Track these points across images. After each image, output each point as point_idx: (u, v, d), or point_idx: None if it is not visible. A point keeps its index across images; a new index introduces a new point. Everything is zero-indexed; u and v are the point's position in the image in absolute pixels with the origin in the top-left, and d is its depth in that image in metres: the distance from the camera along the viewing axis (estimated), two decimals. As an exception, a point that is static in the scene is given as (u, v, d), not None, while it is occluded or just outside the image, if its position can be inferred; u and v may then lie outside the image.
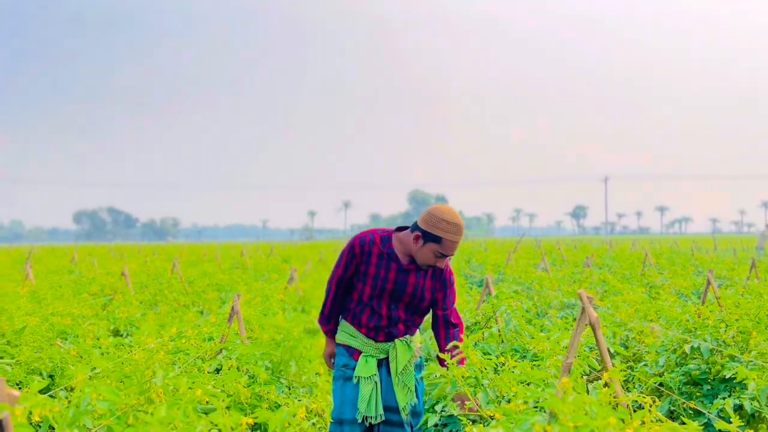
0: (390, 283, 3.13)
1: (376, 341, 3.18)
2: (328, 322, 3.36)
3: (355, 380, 3.12)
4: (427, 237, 3.02)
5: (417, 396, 3.23)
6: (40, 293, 8.49)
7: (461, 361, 3.26)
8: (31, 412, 1.90)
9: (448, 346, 3.24)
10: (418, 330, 3.33)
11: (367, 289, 3.16)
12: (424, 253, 3.04)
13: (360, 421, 3.10)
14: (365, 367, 3.12)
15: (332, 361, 3.37)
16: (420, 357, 3.33)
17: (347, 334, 3.23)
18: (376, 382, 3.12)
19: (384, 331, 3.16)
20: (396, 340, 3.18)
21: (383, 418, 3.14)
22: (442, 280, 3.24)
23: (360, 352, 3.19)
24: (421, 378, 3.28)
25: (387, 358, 3.20)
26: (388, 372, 3.18)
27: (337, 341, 3.29)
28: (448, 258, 3.09)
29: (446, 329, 3.31)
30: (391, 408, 3.16)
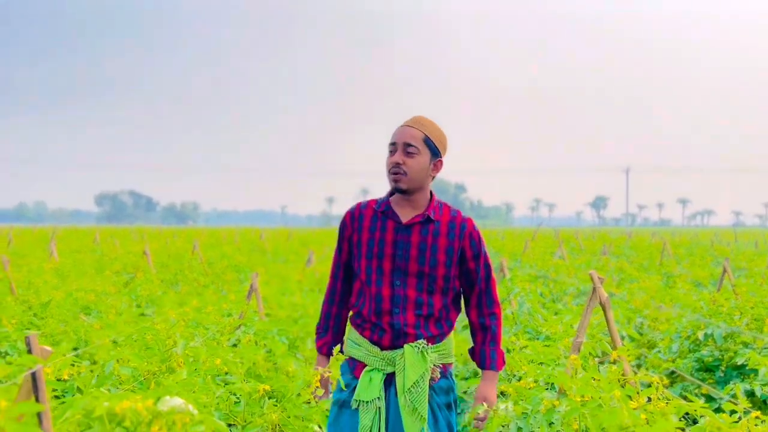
0: (388, 246, 2.44)
1: (381, 346, 2.43)
2: (325, 331, 2.61)
3: (353, 405, 2.39)
4: None
5: (440, 429, 2.44)
6: (63, 270, 8.70)
7: (499, 361, 2.54)
8: (59, 370, 2.01)
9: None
10: (445, 334, 2.48)
11: (363, 262, 2.47)
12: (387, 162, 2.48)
13: None
14: (368, 387, 2.39)
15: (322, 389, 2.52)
16: (446, 377, 2.49)
17: (352, 341, 2.52)
18: (379, 408, 2.39)
19: (390, 324, 2.41)
20: (405, 346, 2.39)
21: None
22: (463, 235, 2.47)
23: (363, 367, 2.45)
24: (450, 406, 2.50)
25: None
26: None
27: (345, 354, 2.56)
28: (404, 155, 2.42)
29: (480, 311, 2.52)
30: None
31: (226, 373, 3.10)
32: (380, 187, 2.59)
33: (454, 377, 2.52)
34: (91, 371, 2.84)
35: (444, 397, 2.46)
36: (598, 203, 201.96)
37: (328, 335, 2.59)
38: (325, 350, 2.57)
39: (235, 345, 4.21)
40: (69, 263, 10.08)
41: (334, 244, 2.65)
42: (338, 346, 2.42)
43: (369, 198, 2.64)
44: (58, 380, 2.17)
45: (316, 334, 2.65)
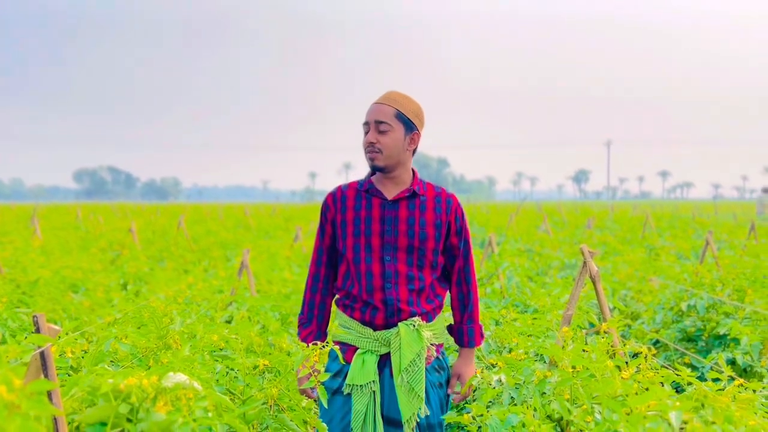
0: (376, 222, 2.41)
1: (374, 326, 2.39)
2: (309, 321, 2.52)
3: (346, 390, 2.35)
4: None
5: (432, 407, 2.42)
6: (48, 248, 8.64)
7: (477, 338, 2.55)
8: (64, 350, 2.03)
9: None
10: (437, 310, 2.49)
11: (349, 240, 2.42)
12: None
13: None
14: (361, 371, 2.35)
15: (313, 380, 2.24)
16: (440, 356, 2.49)
17: (340, 325, 2.46)
18: (374, 392, 2.36)
19: (383, 301, 2.38)
20: (400, 324, 2.37)
21: None
22: (450, 210, 2.48)
23: (355, 351, 2.40)
24: (442, 385, 2.49)
25: (390, 355, 2.39)
26: (393, 374, 2.38)
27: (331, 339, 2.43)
28: (377, 133, 2.39)
29: (459, 287, 2.54)
30: (393, 421, 2.38)
31: (221, 349, 3.14)
32: (362, 161, 2.58)
33: (446, 356, 2.53)
34: (84, 351, 2.86)
35: (437, 376, 2.45)
36: (580, 177, 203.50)
37: (313, 325, 2.51)
38: (310, 341, 2.46)
39: (228, 321, 4.24)
40: (53, 241, 10.00)
41: (318, 218, 2.60)
42: (331, 344, 2.19)
43: (351, 172, 2.67)
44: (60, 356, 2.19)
45: (299, 324, 2.54)
